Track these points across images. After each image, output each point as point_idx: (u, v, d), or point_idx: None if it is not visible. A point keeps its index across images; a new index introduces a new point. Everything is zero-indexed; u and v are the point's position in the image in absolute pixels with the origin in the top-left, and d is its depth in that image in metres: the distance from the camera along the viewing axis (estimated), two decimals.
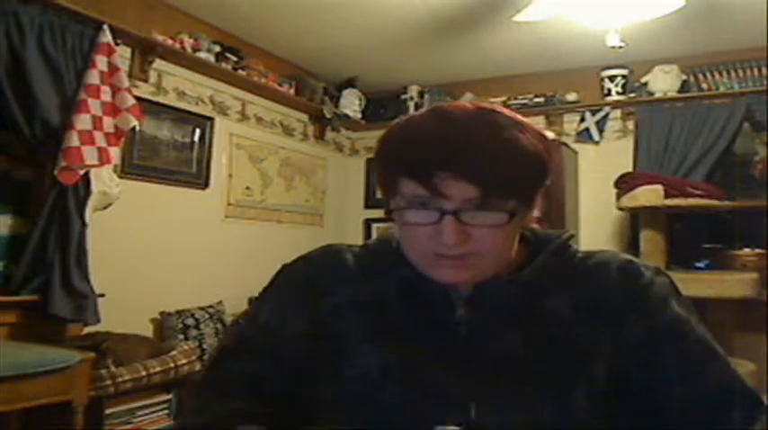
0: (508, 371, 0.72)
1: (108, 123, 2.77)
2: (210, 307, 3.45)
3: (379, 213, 4.78)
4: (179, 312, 3.27)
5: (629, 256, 0.82)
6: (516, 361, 0.72)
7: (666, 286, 0.77)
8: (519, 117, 0.74)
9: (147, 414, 2.63)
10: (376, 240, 0.89)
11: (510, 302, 0.76)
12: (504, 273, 0.77)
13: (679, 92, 3.86)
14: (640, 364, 0.72)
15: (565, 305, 0.75)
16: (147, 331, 3.18)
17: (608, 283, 0.77)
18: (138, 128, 3.05)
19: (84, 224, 2.73)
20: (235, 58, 3.68)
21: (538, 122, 4.23)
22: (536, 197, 0.76)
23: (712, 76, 3.80)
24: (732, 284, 3.09)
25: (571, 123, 4.20)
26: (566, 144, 4.00)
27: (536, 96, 4.22)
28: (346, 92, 4.59)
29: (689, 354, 0.73)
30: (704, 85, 3.82)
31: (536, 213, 0.79)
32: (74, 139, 2.62)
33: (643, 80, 3.94)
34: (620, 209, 3.58)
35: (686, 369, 0.72)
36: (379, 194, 4.77)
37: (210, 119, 3.68)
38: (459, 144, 0.70)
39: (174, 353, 2.72)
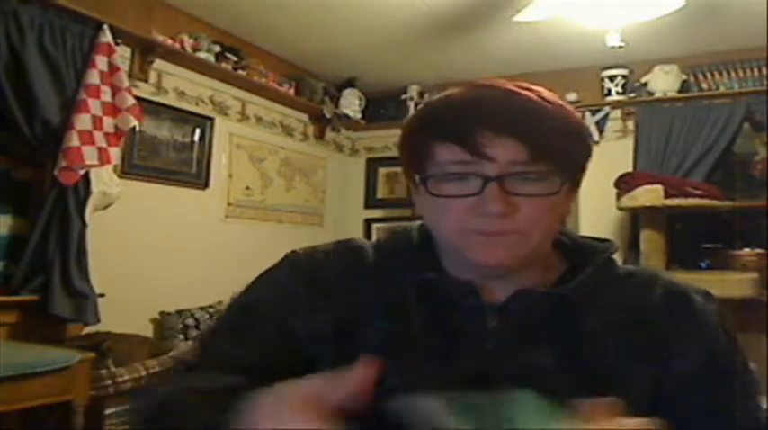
0: (535, 389, 0.66)
1: (108, 123, 2.77)
2: (210, 307, 3.45)
3: (379, 213, 4.79)
4: (179, 312, 3.27)
5: (674, 278, 0.74)
6: (545, 380, 0.64)
7: (715, 314, 0.71)
8: None
9: None
10: (391, 236, 0.80)
11: (545, 317, 0.68)
12: (539, 281, 0.70)
13: (679, 92, 3.86)
14: (688, 397, 0.66)
15: (604, 326, 0.68)
16: (147, 331, 3.18)
17: (653, 307, 0.69)
18: (138, 128, 3.04)
19: (84, 224, 2.73)
20: (235, 58, 3.68)
21: None
22: (580, 179, 0.71)
23: (712, 76, 3.80)
24: (732, 284, 3.09)
25: None
26: None
27: None
28: (346, 92, 4.59)
29: (738, 390, 0.68)
30: (704, 85, 3.82)
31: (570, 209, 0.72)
32: (74, 139, 2.62)
33: (643, 80, 3.94)
34: (620, 209, 3.59)
35: (734, 404, 0.67)
36: (379, 194, 4.86)
37: (210, 119, 3.68)
38: (502, 101, 0.65)
39: (173, 353, 2.72)
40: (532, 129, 0.63)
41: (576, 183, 0.70)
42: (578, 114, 0.70)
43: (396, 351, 0.66)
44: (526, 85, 0.68)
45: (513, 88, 0.67)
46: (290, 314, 0.71)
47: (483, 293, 0.69)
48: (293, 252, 0.79)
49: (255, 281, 0.78)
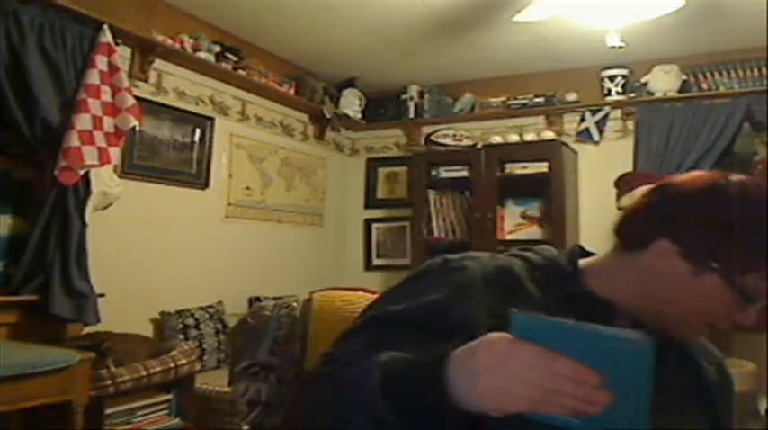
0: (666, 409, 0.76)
1: (108, 123, 2.77)
2: (210, 307, 3.45)
3: (379, 213, 4.79)
4: (179, 312, 3.27)
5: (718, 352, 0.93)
6: (670, 404, 0.78)
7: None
8: None
9: (147, 414, 2.63)
10: (541, 254, 0.90)
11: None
12: None
13: (679, 92, 3.87)
14: None
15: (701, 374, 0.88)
16: (147, 331, 3.18)
17: (708, 376, 0.88)
18: (137, 128, 3.04)
19: (84, 224, 2.73)
20: (235, 58, 3.68)
21: (538, 122, 4.24)
22: None
23: (712, 75, 3.80)
24: None
25: (571, 123, 4.20)
26: (566, 144, 4.00)
27: (536, 96, 4.22)
28: (346, 92, 4.59)
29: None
30: (704, 85, 3.82)
31: None
32: (74, 139, 2.62)
33: (643, 80, 3.94)
34: (620, 209, 3.56)
35: None
36: (379, 194, 4.85)
37: (210, 119, 3.68)
38: None
39: (174, 353, 2.72)
40: None
41: None
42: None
43: None
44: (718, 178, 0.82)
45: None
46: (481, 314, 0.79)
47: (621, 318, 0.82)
48: (445, 259, 0.88)
49: (418, 282, 0.87)
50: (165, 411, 2.72)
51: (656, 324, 0.80)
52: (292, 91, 4.19)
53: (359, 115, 4.66)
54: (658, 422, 0.67)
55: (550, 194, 3.85)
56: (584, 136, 4.13)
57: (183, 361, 2.71)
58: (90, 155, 2.67)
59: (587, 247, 0.94)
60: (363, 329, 0.83)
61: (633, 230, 0.83)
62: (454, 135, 4.28)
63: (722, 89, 3.76)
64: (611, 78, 4.02)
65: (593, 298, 0.83)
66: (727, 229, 0.75)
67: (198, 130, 3.60)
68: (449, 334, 0.73)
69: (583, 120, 4.14)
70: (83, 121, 2.66)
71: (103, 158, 2.73)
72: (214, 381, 2.94)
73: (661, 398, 0.73)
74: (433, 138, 4.33)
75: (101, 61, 2.77)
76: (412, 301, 0.82)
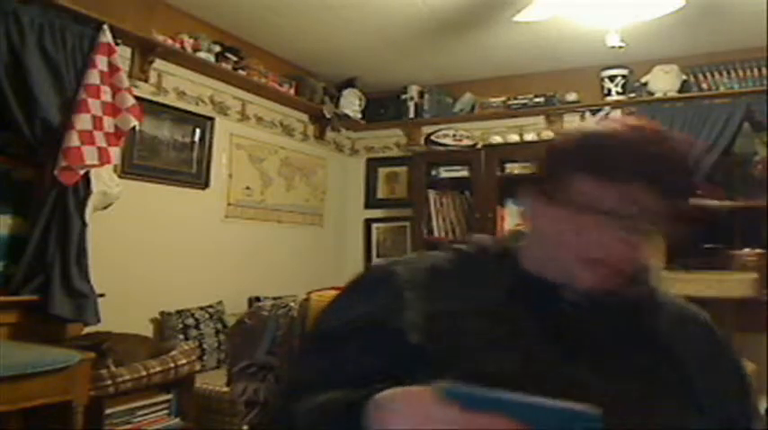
0: (613, 385, 0.72)
1: (108, 123, 2.77)
2: (210, 307, 3.45)
3: (379, 213, 4.79)
4: (179, 312, 3.27)
5: (702, 311, 0.88)
6: (637, 367, 0.74)
7: (729, 338, 0.88)
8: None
9: (147, 414, 2.63)
10: (472, 246, 0.88)
11: (623, 310, 0.78)
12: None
13: (679, 92, 3.86)
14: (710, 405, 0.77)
15: (659, 326, 0.81)
16: (147, 331, 3.18)
17: (691, 332, 0.83)
18: (138, 128, 3.04)
19: (84, 224, 2.73)
20: (235, 58, 3.68)
21: (538, 122, 4.24)
22: None
23: (712, 75, 3.80)
24: (732, 284, 3.09)
25: (571, 123, 4.20)
26: None
27: (536, 96, 4.22)
28: (346, 92, 4.59)
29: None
30: (704, 85, 3.82)
31: None
32: (74, 139, 2.62)
33: (643, 80, 3.94)
34: None
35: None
36: (379, 194, 4.85)
37: (210, 119, 3.68)
38: (652, 151, 0.73)
39: (174, 353, 2.72)
40: (674, 180, 0.74)
41: None
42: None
43: (495, 345, 0.74)
44: (664, 133, 0.78)
45: (661, 134, 0.76)
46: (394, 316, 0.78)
47: (567, 293, 0.78)
48: (375, 266, 0.92)
49: (350, 295, 0.87)
50: (165, 411, 2.72)
51: (567, 277, 0.77)
52: (292, 91, 4.19)
53: (359, 115, 4.66)
54: (625, 413, 0.66)
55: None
56: None
57: (183, 361, 2.71)
58: (90, 155, 2.67)
59: None
60: (312, 351, 0.85)
61: (520, 193, 0.86)
62: (454, 135, 4.28)
63: (722, 89, 3.75)
64: (611, 78, 4.02)
65: (531, 277, 0.79)
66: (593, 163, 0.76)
67: (198, 130, 3.59)
68: (391, 343, 0.74)
69: (583, 120, 4.14)
70: (83, 121, 2.66)
71: (103, 158, 2.73)
72: (214, 381, 2.94)
73: (627, 383, 0.73)
74: (433, 138, 4.33)
75: (101, 61, 2.77)
76: (350, 315, 0.82)
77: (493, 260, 0.83)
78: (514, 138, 4.15)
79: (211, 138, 3.68)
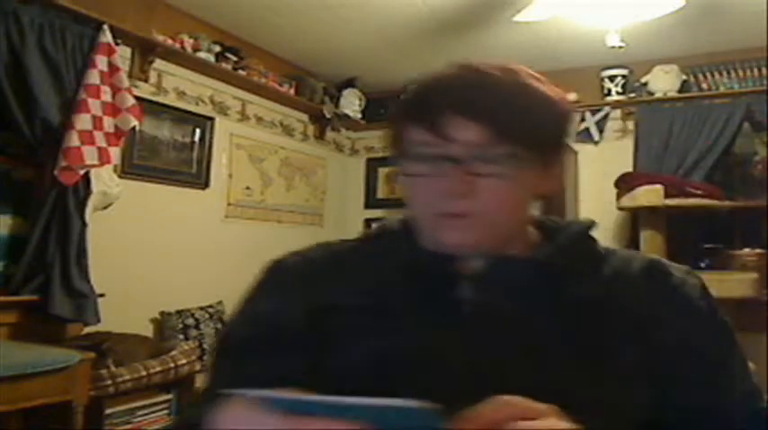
0: (519, 360, 0.63)
1: (108, 123, 2.77)
2: (210, 307, 3.45)
3: (379, 213, 4.79)
4: (179, 312, 3.27)
5: (656, 256, 0.76)
6: (531, 350, 0.64)
7: (699, 288, 0.71)
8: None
9: (147, 414, 2.63)
10: (376, 228, 0.82)
11: (525, 284, 0.68)
12: (519, 253, 0.71)
13: (679, 92, 3.87)
14: (669, 370, 0.66)
15: (581, 292, 0.67)
16: (147, 331, 3.18)
17: (632, 282, 0.70)
18: (138, 128, 3.04)
19: (84, 224, 2.73)
20: (235, 58, 3.68)
21: None
22: (554, 156, 0.70)
23: (712, 75, 3.80)
24: (732, 284, 3.09)
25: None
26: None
27: None
28: (346, 92, 4.59)
29: (719, 363, 0.68)
30: (704, 85, 3.82)
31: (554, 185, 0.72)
32: (74, 139, 2.62)
33: (643, 80, 3.94)
34: (621, 209, 3.59)
35: (716, 377, 0.67)
36: (379, 194, 4.86)
37: (210, 119, 3.68)
38: (469, 82, 0.66)
39: (174, 353, 2.72)
40: (498, 108, 0.64)
41: (552, 162, 0.70)
42: (556, 92, 0.70)
43: (376, 329, 0.67)
44: (509, 66, 0.69)
45: (487, 69, 0.67)
46: (289, 314, 0.72)
47: (465, 266, 0.69)
48: (273, 261, 0.81)
49: (250, 296, 0.80)
50: (165, 411, 2.72)
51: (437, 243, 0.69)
52: (292, 91, 4.19)
53: (359, 115, 4.66)
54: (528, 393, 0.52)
55: (550, 194, 3.84)
56: (584, 136, 4.13)
57: (183, 361, 2.71)
58: (90, 155, 2.67)
59: None
60: (217, 366, 0.77)
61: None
62: None
63: (722, 89, 3.76)
64: (611, 78, 4.02)
65: (424, 253, 0.71)
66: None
67: (198, 130, 3.59)
68: (290, 342, 0.69)
69: (583, 120, 4.14)
70: (83, 121, 2.66)
71: (103, 158, 2.73)
72: None
73: (530, 360, 0.63)
74: None
75: (101, 61, 2.77)
76: (246, 318, 0.77)
77: (393, 239, 0.75)
78: None
79: (211, 138, 3.68)
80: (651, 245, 3.40)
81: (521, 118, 0.64)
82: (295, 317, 0.71)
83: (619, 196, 3.48)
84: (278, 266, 0.80)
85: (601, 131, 4.09)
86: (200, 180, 3.62)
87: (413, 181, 0.68)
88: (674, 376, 0.66)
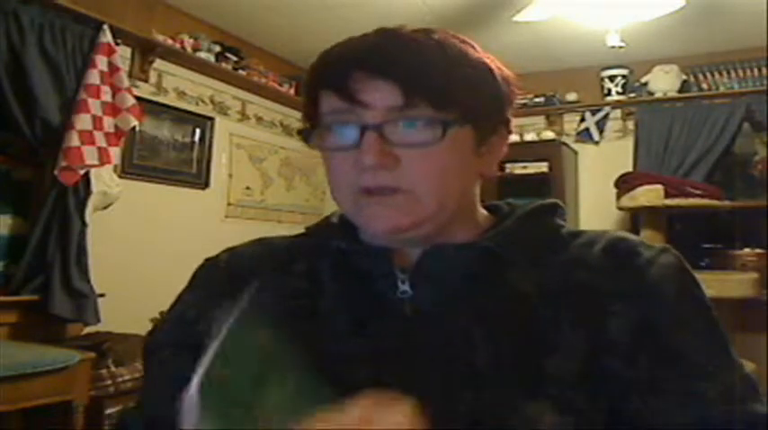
0: (454, 359, 0.57)
1: (108, 123, 2.77)
2: None
3: None
4: None
5: (627, 234, 0.65)
6: (465, 347, 0.57)
7: (671, 268, 0.60)
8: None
9: None
10: (320, 220, 0.76)
11: (464, 272, 0.60)
12: (461, 239, 0.63)
13: (679, 92, 3.87)
14: (624, 362, 0.57)
15: (529, 283, 0.60)
16: (147, 331, 3.18)
17: (591, 266, 0.61)
18: (138, 128, 3.04)
19: (84, 224, 2.73)
20: (235, 58, 3.68)
21: (538, 122, 4.24)
22: (489, 130, 0.62)
23: (712, 75, 3.80)
24: (732, 284, 3.09)
25: (571, 123, 4.20)
26: (566, 144, 4.00)
27: (536, 96, 4.21)
28: None
29: (685, 354, 0.57)
30: (704, 85, 3.82)
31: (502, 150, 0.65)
32: (74, 139, 2.62)
33: (643, 80, 3.94)
34: (620, 209, 3.58)
35: (680, 363, 0.57)
36: None
37: (210, 119, 3.68)
38: (380, 43, 0.59)
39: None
40: (408, 68, 0.56)
41: (488, 136, 0.62)
42: (496, 63, 0.65)
43: (308, 329, 0.60)
44: (430, 29, 0.62)
45: (401, 32, 0.61)
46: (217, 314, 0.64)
47: (400, 259, 0.62)
48: (205, 259, 0.77)
49: (180, 296, 0.78)
50: None
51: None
52: (292, 91, 4.19)
53: None
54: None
55: (550, 194, 3.84)
56: (585, 136, 4.13)
57: None
58: (90, 155, 2.67)
59: None
60: (145, 366, 0.74)
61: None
62: None
63: (722, 89, 3.76)
64: (611, 78, 4.02)
65: (357, 245, 0.65)
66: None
67: (198, 130, 3.59)
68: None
69: (583, 120, 4.14)
70: (83, 121, 2.66)
71: (104, 158, 2.73)
72: None
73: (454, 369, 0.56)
74: None
75: (101, 61, 2.77)
76: (172, 317, 0.73)
77: (329, 233, 0.69)
78: (514, 138, 4.14)
79: (211, 138, 3.68)
80: None
81: (442, 78, 0.57)
82: (215, 319, 0.62)
83: (619, 196, 3.48)
84: (208, 264, 0.75)
85: (601, 131, 4.09)
86: (201, 180, 3.62)
87: (329, 156, 0.61)
88: (631, 369, 0.56)
